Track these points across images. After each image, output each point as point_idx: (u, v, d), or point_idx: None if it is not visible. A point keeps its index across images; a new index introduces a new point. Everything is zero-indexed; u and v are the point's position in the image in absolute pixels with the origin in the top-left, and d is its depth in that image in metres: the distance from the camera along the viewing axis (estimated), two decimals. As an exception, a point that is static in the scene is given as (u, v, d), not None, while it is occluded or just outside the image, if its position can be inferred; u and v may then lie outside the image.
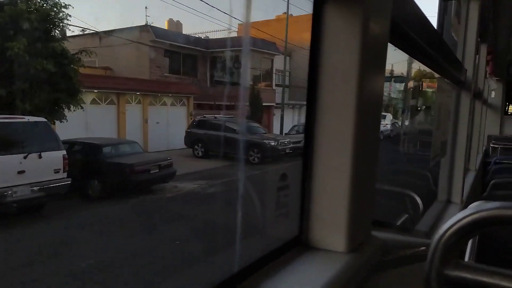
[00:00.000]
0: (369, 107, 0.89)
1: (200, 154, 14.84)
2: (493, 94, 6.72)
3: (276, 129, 21.53)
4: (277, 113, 22.72)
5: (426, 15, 1.25)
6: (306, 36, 0.88)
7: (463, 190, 2.81)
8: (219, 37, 21.63)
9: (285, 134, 18.17)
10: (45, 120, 7.29)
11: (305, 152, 0.90)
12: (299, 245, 0.91)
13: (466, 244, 1.98)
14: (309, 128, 0.88)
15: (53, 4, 8.27)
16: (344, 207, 0.86)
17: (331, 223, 0.88)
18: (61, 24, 8.42)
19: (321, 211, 0.89)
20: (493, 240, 2.22)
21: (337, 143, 0.85)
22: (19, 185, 6.47)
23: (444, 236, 0.77)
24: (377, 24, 0.88)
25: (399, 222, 2.70)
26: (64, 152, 7.41)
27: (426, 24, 1.25)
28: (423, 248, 1.28)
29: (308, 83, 0.88)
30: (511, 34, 5.24)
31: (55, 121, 8.29)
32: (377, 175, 1.01)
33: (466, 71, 2.65)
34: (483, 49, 4.60)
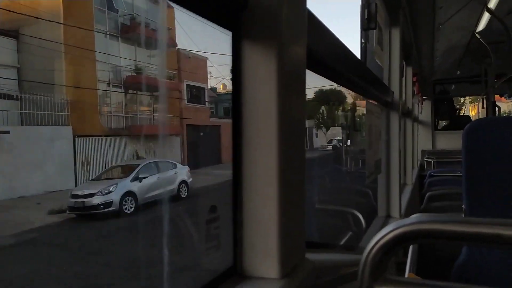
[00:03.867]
0: (291, 132, 0.92)
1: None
2: (422, 111, 7.20)
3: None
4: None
5: (352, 44, 1.34)
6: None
7: (400, 205, 2.94)
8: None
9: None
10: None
11: (234, 180, 0.91)
12: (234, 275, 0.90)
13: (406, 256, 2.06)
14: (236, 157, 0.90)
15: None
16: (274, 233, 0.87)
17: (263, 250, 0.89)
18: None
19: (253, 239, 0.90)
20: (433, 250, 2.32)
21: (264, 171, 0.87)
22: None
23: (371, 252, 0.79)
24: (294, 52, 0.93)
25: (343, 241, 2.77)
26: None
27: (344, 51, 1.33)
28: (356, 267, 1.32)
29: (233, 116, 0.90)
30: (432, 57, 5.71)
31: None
32: (304, 199, 1.04)
33: (393, 93, 2.84)
34: (409, 72, 4.96)
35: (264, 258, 0.88)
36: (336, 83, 1.54)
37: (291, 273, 0.90)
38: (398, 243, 0.78)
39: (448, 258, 1.87)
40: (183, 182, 13.35)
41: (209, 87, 24.74)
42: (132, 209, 11.00)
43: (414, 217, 0.78)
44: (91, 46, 15.94)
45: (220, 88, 29.61)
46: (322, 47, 1.12)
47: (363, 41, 2.14)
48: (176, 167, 13.87)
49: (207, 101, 24.01)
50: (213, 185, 14.41)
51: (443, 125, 8.72)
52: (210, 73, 23.95)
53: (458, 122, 7.55)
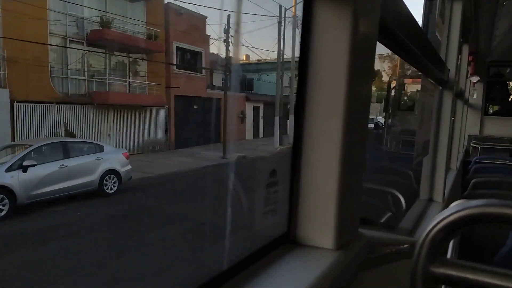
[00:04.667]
0: (357, 105, 0.89)
1: None
2: (475, 95, 6.85)
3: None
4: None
5: (414, 14, 1.26)
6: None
7: (444, 189, 2.86)
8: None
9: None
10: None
11: (294, 150, 0.89)
12: (287, 242, 0.91)
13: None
14: (298, 126, 0.88)
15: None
16: (332, 204, 0.86)
17: (319, 220, 0.88)
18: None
19: (309, 209, 0.89)
20: (473, 237, 2.27)
21: (326, 141, 0.85)
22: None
23: (430, 234, 0.77)
24: (367, 22, 0.88)
25: (383, 220, 2.74)
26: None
27: (413, 23, 1.26)
28: (406, 245, 1.30)
29: (298, 82, 0.88)
30: (491, 36, 5.36)
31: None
32: (363, 174, 1.02)
33: (449, 71, 2.70)
34: (465, 50, 4.69)
35: (320, 228, 0.88)
36: (400, 57, 1.47)
37: (346, 246, 0.90)
38: (461, 225, 0.76)
39: (490, 244, 1.82)
40: (112, 171, 9.68)
41: (212, 53, 20.79)
42: (3, 212, 7.31)
43: (481, 200, 0.75)
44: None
45: (243, 59, 26.70)
46: (395, 16, 1.06)
47: (426, 11, 2.02)
48: (101, 150, 10.24)
49: (204, 68, 19.88)
50: (185, 171, 11.92)
51: (491, 110, 8.29)
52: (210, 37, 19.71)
53: (511, 108, 7.14)
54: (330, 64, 0.83)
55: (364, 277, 0.98)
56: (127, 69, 16.25)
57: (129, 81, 16.05)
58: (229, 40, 17.15)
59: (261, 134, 24.10)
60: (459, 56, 3.17)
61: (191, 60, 19.69)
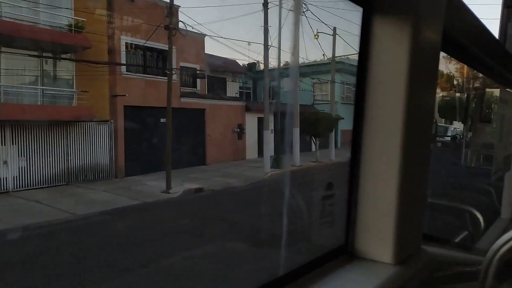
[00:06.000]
0: (419, 117, 0.88)
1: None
2: None
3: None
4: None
5: (487, 22, 1.20)
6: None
7: None
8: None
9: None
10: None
11: (352, 161, 0.90)
12: (345, 254, 0.91)
13: None
14: (357, 137, 0.89)
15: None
16: (392, 217, 0.85)
17: (378, 233, 0.87)
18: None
19: (368, 221, 0.88)
20: None
21: (385, 153, 0.85)
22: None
23: (499, 252, 0.74)
24: (428, 32, 0.87)
25: (458, 239, 2.57)
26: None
27: (484, 32, 1.20)
28: (479, 267, 1.22)
29: (356, 92, 0.88)
30: None
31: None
32: (427, 187, 0.99)
33: None
34: None
35: (379, 241, 0.87)
36: (471, 67, 1.40)
37: (407, 261, 0.88)
38: None
39: None
40: None
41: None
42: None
43: None
44: None
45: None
46: (461, 26, 1.03)
47: (503, 19, 1.90)
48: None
49: (174, 71, 13.44)
50: (66, 221, 7.40)
51: None
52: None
53: None
54: (389, 75, 0.83)
55: None
56: (40, 72, 11.49)
57: (41, 88, 11.32)
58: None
59: (270, 152, 17.15)
60: None
61: (153, 60, 14.61)
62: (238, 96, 19.36)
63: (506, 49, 1.72)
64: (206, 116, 15.66)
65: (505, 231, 2.42)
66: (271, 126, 15.52)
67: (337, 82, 19.90)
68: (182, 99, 14.68)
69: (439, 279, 1.03)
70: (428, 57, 0.89)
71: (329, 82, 19.40)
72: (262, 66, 18.76)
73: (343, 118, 19.61)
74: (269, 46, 14.12)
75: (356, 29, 0.88)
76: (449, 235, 2.63)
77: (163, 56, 14.02)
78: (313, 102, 21.01)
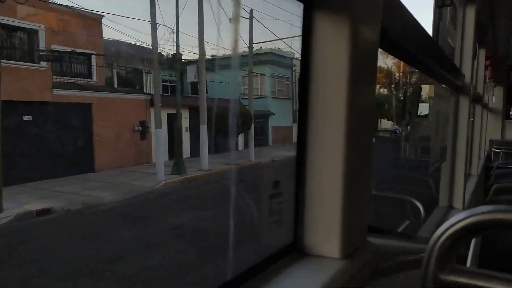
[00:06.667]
0: (361, 113, 0.89)
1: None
2: (494, 99, 6.71)
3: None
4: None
5: (422, 22, 1.26)
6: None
7: (464, 196, 2.80)
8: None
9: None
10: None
11: (298, 158, 0.90)
12: (294, 251, 0.91)
13: (468, 248, 1.96)
14: (302, 135, 0.89)
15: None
16: (338, 212, 0.86)
17: (325, 229, 0.88)
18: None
19: (315, 217, 0.89)
20: (497, 244, 2.21)
21: (329, 150, 0.86)
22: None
23: (439, 241, 0.76)
24: (367, 30, 0.89)
25: (400, 229, 2.69)
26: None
27: (418, 30, 1.26)
28: (422, 255, 1.27)
29: (300, 90, 0.89)
30: (510, 38, 5.25)
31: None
32: (371, 180, 1.01)
33: (464, 76, 2.66)
34: (482, 54, 4.62)
35: (326, 236, 0.88)
36: (408, 64, 1.46)
37: (353, 255, 0.89)
38: (469, 233, 0.75)
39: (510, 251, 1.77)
40: None
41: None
42: None
43: (487, 206, 0.74)
44: None
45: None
46: (397, 24, 1.06)
47: (435, 18, 2.01)
48: None
49: (42, 55, 10.96)
50: None
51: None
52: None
53: None
54: (331, 70, 0.84)
55: (372, 286, 0.97)
56: None
57: None
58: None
59: (186, 154, 14.66)
60: (475, 61, 3.12)
61: (14, 42, 11.23)
62: (161, 91, 15.84)
63: (440, 47, 1.82)
64: (93, 112, 12.60)
65: (443, 219, 2.57)
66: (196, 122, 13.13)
67: (267, 76, 18.81)
68: (57, 91, 11.42)
69: (385, 269, 1.07)
70: (368, 54, 0.91)
71: (259, 75, 18.26)
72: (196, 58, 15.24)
73: (274, 114, 18.59)
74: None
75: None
76: (392, 226, 2.75)
77: (29, 37, 11.00)
78: (240, 96, 18.68)
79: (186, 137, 13.93)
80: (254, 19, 15.18)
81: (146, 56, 14.98)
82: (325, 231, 0.88)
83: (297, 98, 0.90)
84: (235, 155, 13.42)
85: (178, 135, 13.36)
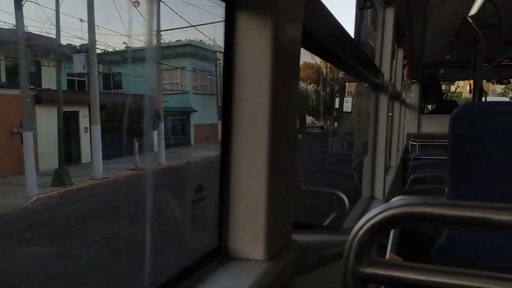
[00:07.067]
0: (283, 111, 0.89)
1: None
2: (412, 95, 7.23)
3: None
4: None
5: (345, 23, 1.30)
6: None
7: (384, 186, 2.97)
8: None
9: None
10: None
11: (222, 160, 0.88)
12: (219, 256, 0.89)
13: (387, 239, 2.09)
14: (226, 135, 0.87)
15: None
16: (262, 214, 0.85)
17: (250, 231, 0.87)
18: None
19: (240, 220, 0.88)
20: (414, 232, 2.36)
21: (253, 150, 0.85)
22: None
23: (358, 235, 0.78)
24: (289, 30, 0.89)
25: (327, 221, 2.80)
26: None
27: (340, 31, 1.30)
28: (344, 246, 1.32)
29: (223, 89, 0.86)
30: (424, 40, 5.69)
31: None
32: (295, 179, 1.02)
33: (384, 75, 2.82)
34: (400, 54, 4.94)
35: (250, 239, 0.87)
36: (330, 64, 1.50)
37: (278, 255, 0.89)
38: (385, 226, 0.78)
39: (428, 239, 1.90)
40: None
41: None
42: None
43: (402, 200, 0.77)
44: None
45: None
46: (319, 25, 1.08)
47: (357, 20, 2.10)
48: None
49: None
50: None
51: (430, 109, 8.79)
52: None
53: (445, 106, 7.62)
54: (254, 72, 0.83)
55: (297, 284, 0.98)
56: None
57: None
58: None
59: (85, 159, 12.58)
60: (394, 60, 3.32)
61: None
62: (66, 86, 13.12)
63: (361, 47, 1.90)
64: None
65: (365, 209, 2.71)
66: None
67: (187, 70, 17.36)
68: None
69: (309, 265, 1.09)
70: (290, 54, 0.91)
71: (178, 69, 16.92)
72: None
73: (196, 111, 17.55)
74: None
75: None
76: (321, 219, 2.85)
77: None
78: (152, 92, 16.18)
79: (86, 139, 11.85)
80: (161, 2, 13.36)
81: (42, 46, 12.13)
82: (250, 234, 0.87)
83: (222, 94, 0.87)
84: (138, 159, 11.24)
85: (68, 137, 11.57)
